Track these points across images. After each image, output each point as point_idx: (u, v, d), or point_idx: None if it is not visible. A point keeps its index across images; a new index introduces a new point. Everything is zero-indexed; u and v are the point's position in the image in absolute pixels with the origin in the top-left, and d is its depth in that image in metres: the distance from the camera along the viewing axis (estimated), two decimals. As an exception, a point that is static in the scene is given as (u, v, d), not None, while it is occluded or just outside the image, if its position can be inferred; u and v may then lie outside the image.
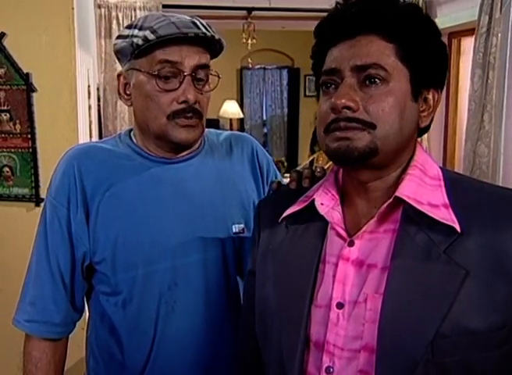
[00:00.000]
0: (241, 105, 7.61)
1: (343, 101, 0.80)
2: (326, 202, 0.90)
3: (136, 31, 1.12)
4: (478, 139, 2.87)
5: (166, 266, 1.16)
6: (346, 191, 0.91)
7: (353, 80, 0.82)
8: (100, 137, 3.51)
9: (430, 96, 0.86)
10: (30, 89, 2.27)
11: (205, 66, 1.15)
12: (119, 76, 1.20)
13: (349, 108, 0.80)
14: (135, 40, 1.11)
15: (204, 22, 1.15)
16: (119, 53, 1.17)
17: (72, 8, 2.26)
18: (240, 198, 1.24)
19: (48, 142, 2.29)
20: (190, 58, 1.12)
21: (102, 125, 3.84)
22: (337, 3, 0.86)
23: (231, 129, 7.24)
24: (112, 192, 1.16)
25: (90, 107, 2.88)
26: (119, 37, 1.18)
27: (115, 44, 1.18)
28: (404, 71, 0.82)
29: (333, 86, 0.84)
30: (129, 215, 1.16)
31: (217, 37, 1.14)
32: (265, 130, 8.48)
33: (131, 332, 1.18)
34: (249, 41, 4.91)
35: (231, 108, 7.05)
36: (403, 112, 0.82)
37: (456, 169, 3.75)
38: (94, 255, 1.17)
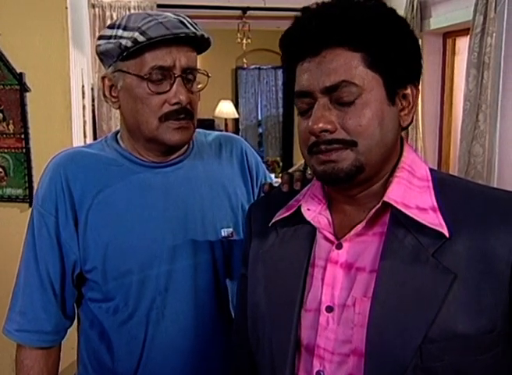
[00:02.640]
0: (236, 105, 7.61)
1: (320, 125, 0.79)
2: (313, 207, 0.89)
3: (120, 32, 1.09)
4: (473, 139, 2.87)
5: (157, 272, 1.14)
6: (333, 196, 0.90)
7: (326, 99, 0.80)
8: (94, 137, 3.49)
9: (408, 91, 0.84)
10: (24, 89, 2.25)
11: (194, 67, 1.14)
12: (103, 78, 1.17)
13: (327, 130, 0.79)
14: (123, 42, 1.08)
15: (190, 20, 1.13)
16: (103, 55, 1.14)
17: (66, 8, 2.25)
18: (229, 201, 1.23)
19: (41, 142, 2.28)
20: (180, 59, 1.10)
21: (97, 125, 3.82)
22: (296, 17, 0.83)
23: (226, 129, 7.23)
24: (101, 199, 1.14)
25: (84, 107, 2.87)
26: (101, 37, 1.14)
27: (98, 45, 1.14)
28: (376, 78, 0.80)
29: (308, 106, 0.82)
30: (118, 222, 1.14)
31: (206, 35, 1.12)
32: (260, 130, 8.47)
33: (122, 338, 1.17)
34: (244, 41, 4.92)
35: (226, 109, 7.04)
36: (382, 121, 0.80)
37: (451, 169, 3.75)
38: (84, 263, 1.15)
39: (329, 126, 0.79)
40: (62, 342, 1.26)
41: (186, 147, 1.23)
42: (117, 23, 1.12)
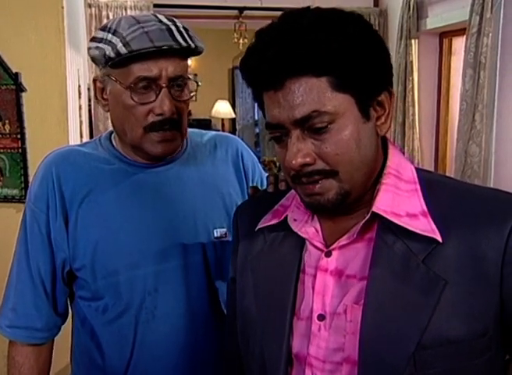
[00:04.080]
0: (233, 105, 7.60)
1: (299, 160, 0.76)
2: (299, 217, 0.87)
3: (110, 36, 1.08)
4: (470, 139, 2.87)
5: (147, 272, 1.14)
6: None
7: (298, 131, 0.76)
8: (91, 137, 3.49)
9: (383, 97, 0.80)
10: (20, 89, 2.24)
11: (183, 75, 1.12)
12: (94, 81, 1.17)
13: (305, 164, 0.77)
14: (107, 51, 1.07)
15: (181, 26, 1.10)
16: (93, 59, 1.14)
17: (62, 7, 2.24)
18: (222, 201, 1.22)
19: (37, 143, 2.27)
20: (167, 69, 1.08)
21: (93, 125, 3.81)
22: (251, 46, 0.78)
23: (223, 129, 7.23)
24: (91, 198, 1.15)
25: (80, 107, 2.86)
26: (92, 39, 1.13)
27: (89, 49, 1.13)
28: (347, 98, 0.76)
29: (282, 136, 0.79)
30: (108, 221, 1.14)
31: (193, 45, 1.10)
32: (257, 130, 8.46)
33: (111, 337, 1.17)
34: (240, 41, 4.90)
35: (223, 108, 7.03)
36: (360, 141, 0.77)
37: (447, 169, 3.76)
38: (73, 261, 1.16)
39: (307, 158, 0.76)
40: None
41: (178, 148, 1.22)
42: (108, 25, 1.11)
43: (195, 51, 1.14)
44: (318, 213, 0.85)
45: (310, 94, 0.74)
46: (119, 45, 1.05)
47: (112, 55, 1.06)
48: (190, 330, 1.17)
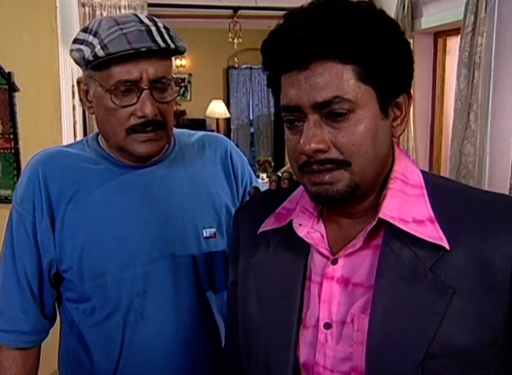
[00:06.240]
0: (228, 105, 7.60)
1: (313, 145, 0.74)
2: (304, 222, 0.85)
3: (91, 37, 1.07)
4: (464, 138, 2.87)
5: (135, 273, 1.14)
6: (326, 208, 0.87)
7: (316, 115, 0.75)
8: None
9: (401, 99, 0.80)
10: (12, 89, 2.24)
11: (165, 76, 1.11)
12: (78, 83, 1.16)
13: (319, 150, 0.75)
14: (86, 54, 1.06)
15: (162, 26, 1.09)
16: (75, 61, 1.13)
17: (56, 7, 2.23)
18: (211, 201, 1.21)
19: (30, 143, 2.26)
20: (147, 71, 1.07)
21: (87, 125, 3.79)
22: (279, 25, 0.77)
23: (217, 129, 7.23)
24: (78, 199, 1.14)
25: (74, 107, 2.84)
26: (74, 41, 1.12)
27: (71, 51, 1.13)
28: (369, 91, 0.76)
29: (296, 121, 0.78)
30: (95, 222, 1.13)
31: (173, 45, 1.09)
32: (252, 130, 8.47)
33: (99, 340, 1.16)
34: (235, 41, 4.91)
35: (217, 108, 7.03)
36: (376, 137, 0.76)
37: (442, 169, 3.76)
38: (60, 263, 1.15)
39: (322, 145, 0.75)
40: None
41: (166, 148, 1.21)
42: (90, 26, 1.10)
43: (177, 52, 1.13)
44: (323, 204, 0.84)
45: (334, 79, 0.74)
46: (97, 48, 1.05)
47: (91, 58, 1.06)
48: (178, 332, 1.16)
